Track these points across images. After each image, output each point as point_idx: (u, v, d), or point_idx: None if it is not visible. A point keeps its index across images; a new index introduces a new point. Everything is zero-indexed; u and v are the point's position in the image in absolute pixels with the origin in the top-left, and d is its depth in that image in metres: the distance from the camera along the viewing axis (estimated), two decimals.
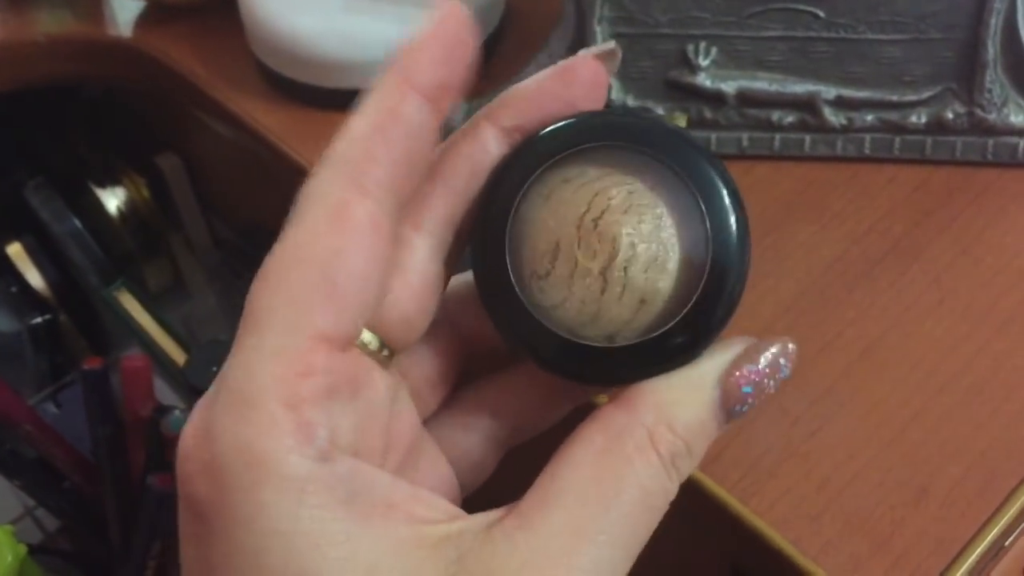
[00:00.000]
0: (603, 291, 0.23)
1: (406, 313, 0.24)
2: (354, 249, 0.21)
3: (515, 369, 0.27)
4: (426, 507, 0.21)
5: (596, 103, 0.24)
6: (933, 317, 0.39)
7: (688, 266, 0.23)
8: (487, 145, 0.24)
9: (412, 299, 0.24)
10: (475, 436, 0.26)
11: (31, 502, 0.55)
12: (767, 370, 0.23)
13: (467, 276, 0.26)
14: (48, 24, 0.58)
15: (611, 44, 0.24)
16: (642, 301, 0.23)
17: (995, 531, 0.34)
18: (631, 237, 0.22)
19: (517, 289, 0.23)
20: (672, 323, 0.22)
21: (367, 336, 0.23)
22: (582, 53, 0.24)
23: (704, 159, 0.23)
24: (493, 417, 0.27)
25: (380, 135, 0.22)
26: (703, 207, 0.23)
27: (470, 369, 0.27)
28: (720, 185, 0.23)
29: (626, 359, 0.23)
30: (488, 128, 0.24)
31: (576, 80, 0.24)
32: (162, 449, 0.45)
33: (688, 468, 0.23)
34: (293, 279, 0.21)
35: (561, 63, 0.24)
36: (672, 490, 0.22)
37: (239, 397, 0.20)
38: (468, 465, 0.26)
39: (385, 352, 0.24)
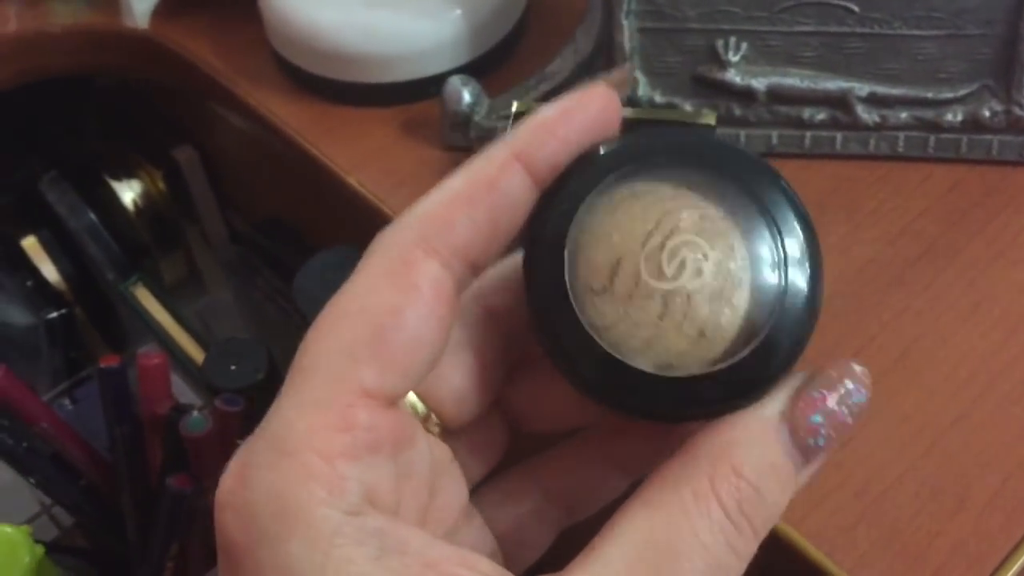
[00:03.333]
0: (662, 316, 0.21)
1: (459, 390, 0.24)
2: (411, 307, 0.21)
3: (567, 446, 0.26)
4: (467, 568, 0.20)
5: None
6: (969, 322, 0.38)
7: (756, 303, 0.21)
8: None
9: (466, 376, 0.24)
10: (525, 513, 0.25)
11: (48, 499, 0.54)
12: (835, 395, 0.21)
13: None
14: (62, 15, 0.57)
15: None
16: (701, 334, 0.21)
17: None
18: (699, 263, 0.21)
19: (573, 303, 0.21)
20: (734, 360, 0.21)
21: (416, 403, 0.23)
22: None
23: (780, 191, 0.22)
24: (544, 495, 0.26)
25: (467, 201, 0.21)
26: (779, 242, 0.21)
27: (522, 445, 0.26)
28: (797, 221, 0.21)
29: (678, 393, 0.21)
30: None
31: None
32: (180, 450, 0.44)
33: (764, 518, 0.20)
34: (343, 331, 0.20)
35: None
36: (743, 547, 0.20)
37: (276, 445, 0.20)
38: (517, 542, 0.25)
39: (435, 422, 0.24)
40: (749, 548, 0.21)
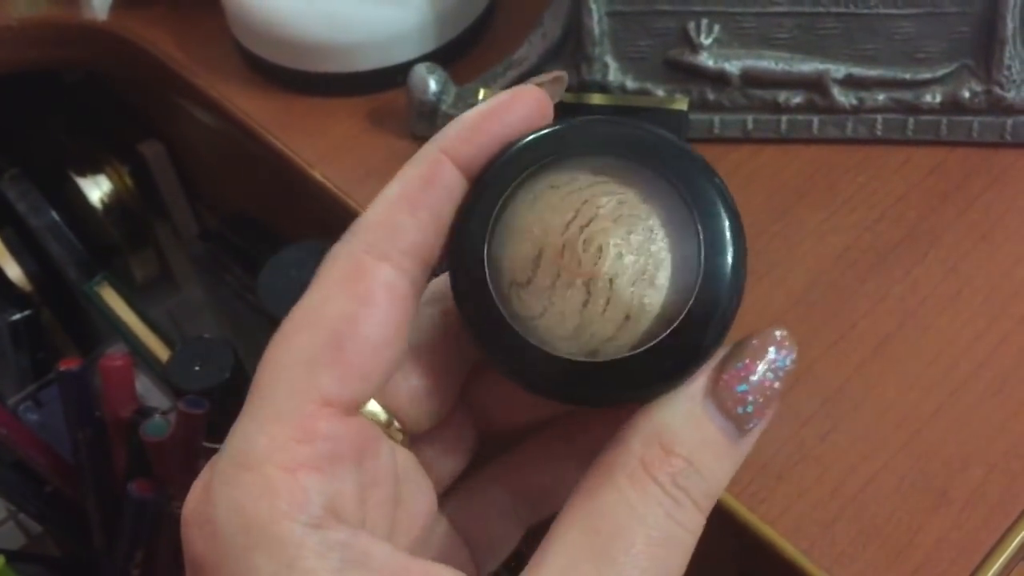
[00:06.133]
0: (585, 303, 0.21)
1: (419, 394, 0.24)
2: (366, 313, 0.21)
3: (530, 444, 0.26)
4: None
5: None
6: (951, 309, 0.37)
7: (678, 283, 0.21)
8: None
9: (425, 379, 0.24)
10: (492, 513, 0.26)
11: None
12: (758, 364, 0.21)
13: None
14: (20, 7, 0.56)
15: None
16: (627, 317, 0.21)
17: (1020, 536, 0.32)
18: (619, 248, 0.21)
19: (495, 298, 0.22)
20: (659, 339, 0.21)
21: (378, 411, 0.23)
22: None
23: (698, 170, 0.22)
24: (510, 494, 0.26)
25: (407, 202, 0.22)
26: (698, 221, 0.21)
27: (487, 447, 0.26)
28: (716, 198, 0.22)
29: (607, 377, 0.21)
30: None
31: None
32: (143, 454, 0.43)
33: (703, 491, 0.21)
34: (299, 343, 0.21)
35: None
36: (688, 520, 0.20)
37: (237, 461, 0.20)
38: (486, 542, 0.26)
39: (397, 428, 0.24)
40: (694, 520, 0.21)
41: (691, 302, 0.21)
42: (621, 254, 0.21)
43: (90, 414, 0.45)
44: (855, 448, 0.34)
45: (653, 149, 0.22)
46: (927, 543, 0.32)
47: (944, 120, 0.42)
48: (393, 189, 0.22)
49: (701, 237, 0.21)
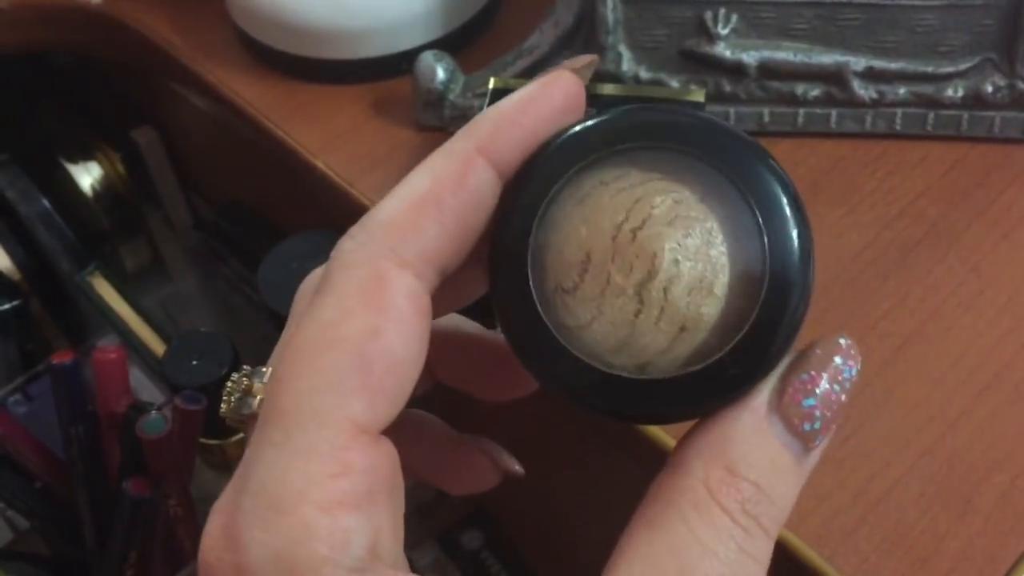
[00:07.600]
0: (637, 313, 0.19)
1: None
2: (391, 328, 0.19)
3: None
4: None
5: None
6: (974, 309, 0.36)
7: (739, 291, 0.19)
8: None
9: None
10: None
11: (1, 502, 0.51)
12: (823, 375, 0.20)
13: None
14: None
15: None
16: (682, 328, 0.19)
17: None
18: (674, 253, 0.19)
19: (538, 304, 0.20)
20: (718, 355, 0.19)
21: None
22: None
23: (761, 163, 0.20)
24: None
25: (435, 204, 0.20)
26: (762, 223, 0.19)
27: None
28: (781, 196, 0.20)
29: (660, 394, 0.20)
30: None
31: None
32: (138, 451, 0.42)
33: (772, 516, 0.19)
34: (324, 364, 0.19)
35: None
36: (757, 550, 0.19)
37: (267, 501, 0.18)
38: None
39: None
40: (764, 551, 0.19)
41: (755, 313, 0.19)
42: (677, 260, 0.19)
43: (83, 409, 0.44)
44: (878, 452, 0.33)
45: (706, 138, 0.20)
46: (953, 550, 0.31)
47: (965, 115, 0.41)
48: (420, 184, 0.20)
49: (765, 240, 0.19)
